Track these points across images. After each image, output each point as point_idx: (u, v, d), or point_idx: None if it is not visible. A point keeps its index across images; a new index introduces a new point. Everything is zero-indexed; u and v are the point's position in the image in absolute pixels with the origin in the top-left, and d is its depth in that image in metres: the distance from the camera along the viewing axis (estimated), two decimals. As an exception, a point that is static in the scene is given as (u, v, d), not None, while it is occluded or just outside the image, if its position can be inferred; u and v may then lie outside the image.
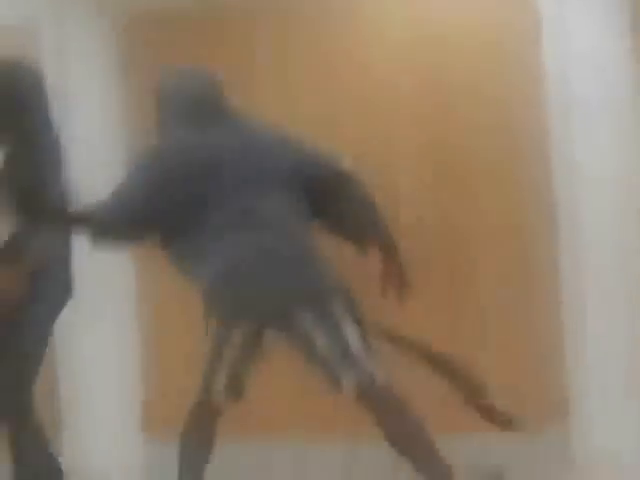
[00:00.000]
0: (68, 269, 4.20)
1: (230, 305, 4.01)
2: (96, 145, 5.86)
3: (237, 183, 4.10)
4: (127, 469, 6.06)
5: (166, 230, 4.12)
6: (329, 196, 4.22)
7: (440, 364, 4.07)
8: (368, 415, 3.83)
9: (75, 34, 5.79)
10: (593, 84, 5.22)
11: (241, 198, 4.07)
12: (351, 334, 3.89)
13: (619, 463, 5.01)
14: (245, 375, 4.05)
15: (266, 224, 4.04)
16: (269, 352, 4.06)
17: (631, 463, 5.04)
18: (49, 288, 4.06)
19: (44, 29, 5.73)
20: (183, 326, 5.79)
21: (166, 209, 4.09)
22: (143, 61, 5.78)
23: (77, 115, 5.67)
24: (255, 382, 4.06)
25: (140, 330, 6.25)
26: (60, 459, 4.19)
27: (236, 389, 4.01)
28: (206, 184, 4.08)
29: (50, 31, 5.65)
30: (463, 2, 5.54)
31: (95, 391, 6.13)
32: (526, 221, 5.41)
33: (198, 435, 4.15)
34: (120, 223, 4.11)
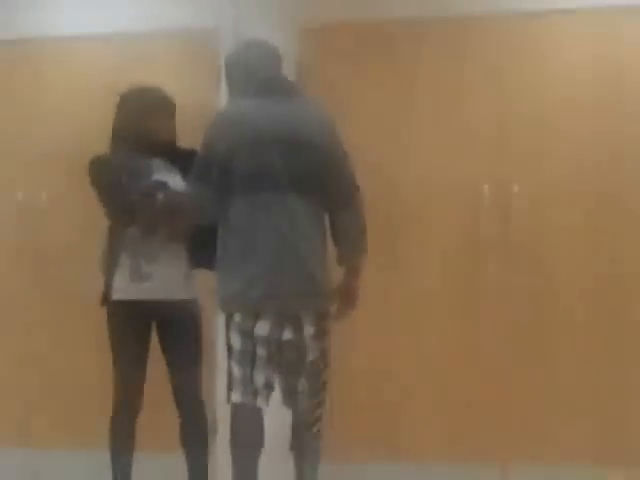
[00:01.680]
0: None
1: (255, 301, 4.39)
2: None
3: (277, 162, 4.40)
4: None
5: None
6: (336, 204, 4.57)
7: None
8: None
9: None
10: None
11: (276, 180, 4.41)
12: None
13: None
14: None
15: (290, 224, 4.39)
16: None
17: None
18: None
19: (224, 34, 5.97)
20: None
21: (221, 180, 4.45)
22: (317, 70, 5.97)
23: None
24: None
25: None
26: None
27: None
28: (251, 156, 4.40)
29: (229, 37, 5.84)
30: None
31: None
32: None
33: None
34: (195, 204, 4.53)
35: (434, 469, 5.74)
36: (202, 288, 5.01)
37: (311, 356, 4.56)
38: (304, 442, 4.77)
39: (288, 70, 5.26)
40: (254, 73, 4.63)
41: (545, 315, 5.70)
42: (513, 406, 5.72)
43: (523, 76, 5.80)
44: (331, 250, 4.67)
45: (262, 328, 4.46)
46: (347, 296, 4.71)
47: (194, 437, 4.95)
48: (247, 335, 4.47)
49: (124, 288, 4.86)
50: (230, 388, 4.52)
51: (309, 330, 4.53)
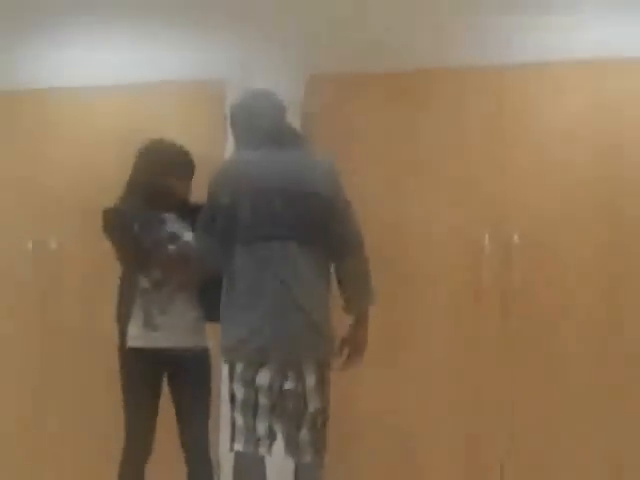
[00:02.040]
0: None
1: (257, 351, 4.49)
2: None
3: (280, 212, 4.51)
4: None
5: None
6: (341, 254, 4.64)
7: None
8: None
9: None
10: None
11: (280, 230, 4.49)
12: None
13: None
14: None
15: (292, 272, 4.48)
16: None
17: None
18: None
19: (233, 85, 6.08)
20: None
21: (225, 232, 4.57)
22: (323, 116, 6.18)
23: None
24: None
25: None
26: None
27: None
28: (255, 206, 4.49)
29: (237, 88, 5.89)
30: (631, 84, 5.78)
31: None
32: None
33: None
34: (201, 241, 4.67)
35: None
36: (211, 338, 5.10)
37: (312, 407, 4.61)
38: None
39: (294, 118, 5.45)
40: (258, 123, 4.73)
41: (548, 365, 5.72)
42: (520, 451, 5.71)
43: (523, 126, 5.90)
44: (337, 299, 4.74)
45: (264, 377, 4.53)
46: (355, 345, 4.76)
47: None
48: (249, 385, 4.54)
49: (138, 336, 4.98)
50: (233, 438, 4.59)
51: (310, 380, 4.59)
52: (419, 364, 5.95)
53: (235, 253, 4.59)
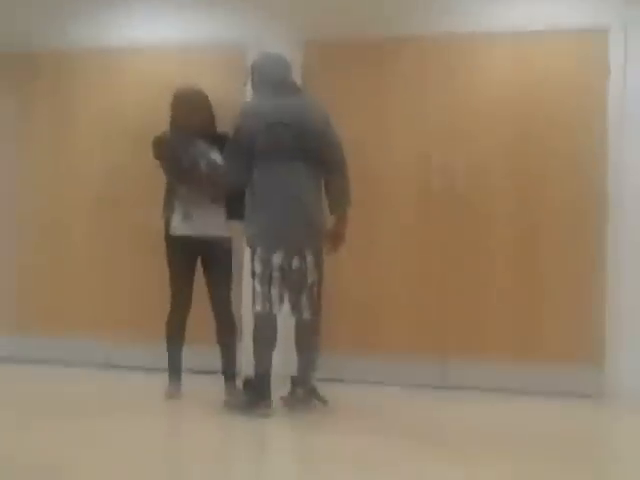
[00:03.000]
0: None
1: (272, 240, 5.46)
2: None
3: (287, 140, 5.46)
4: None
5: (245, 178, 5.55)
6: (330, 171, 5.62)
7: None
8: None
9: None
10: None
11: (287, 153, 5.46)
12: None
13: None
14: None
15: (299, 184, 5.47)
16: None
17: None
18: None
19: (250, 48, 6.85)
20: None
21: (247, 155, 5.49)
22: (321, 75, 6.94)
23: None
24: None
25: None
26: None
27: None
28: (269, 136, 5.44)
29: (254, 50, 6.59)
30: (553, 54, 6.67)
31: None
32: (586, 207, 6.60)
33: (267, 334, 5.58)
34: (229, 165, 5.61)
35: (395, 358, 6.77)
36: (234, 232, 5.95)
37: (310, 280, 5.59)
38: (304, 340, 5.73)
39: (296, 74, 6.23)
40: (271, 78, 5.64)
41: (479, 243, 6.73)
42: (456, 311, 6.74)
43: (467, 83, 6.78)
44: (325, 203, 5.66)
45: (277, 258, 5.49)
46: (336, 237, 5.72)
47: (226, 334, 5.95)
48: (266, 263, 5.49)
49: (179, 227, 5.90)
50: (254, 301, 5.53)
51: (310, 260, 5.56)
52: (383, 249, 6.88)
53: (255, 172, 5.48)
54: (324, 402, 5.74)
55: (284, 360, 5.89)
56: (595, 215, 6.57)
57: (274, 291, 5.50)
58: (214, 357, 6.03)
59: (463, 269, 6.77)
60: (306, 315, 5.61)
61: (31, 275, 7.63)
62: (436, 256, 6.82)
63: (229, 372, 6.00)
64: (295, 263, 5.53)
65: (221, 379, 6.02)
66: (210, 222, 5.91)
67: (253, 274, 5.58)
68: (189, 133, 5.89)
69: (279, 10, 7.10)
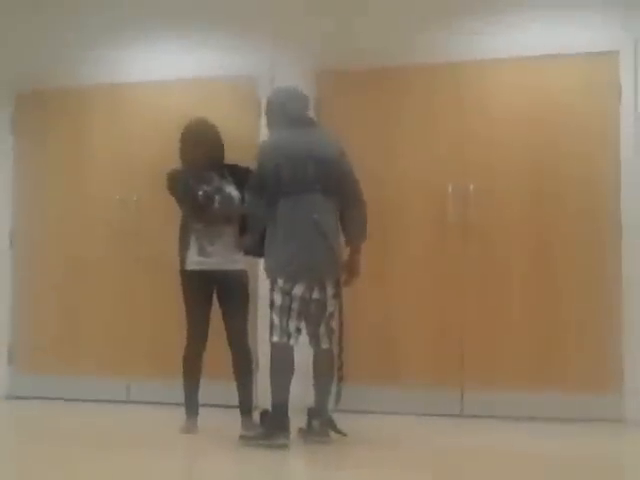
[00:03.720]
0: None
1: (294, 271, 5.51)
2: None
3: (307, 174, 5.53)
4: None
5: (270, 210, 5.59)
6: (347, 203, 5.71)
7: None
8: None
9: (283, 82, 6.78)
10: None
11: (307, 186, 5.54)
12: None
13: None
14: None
15: (319, 215, 5.51)
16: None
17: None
18: None
19: (263, 80, 7.14)
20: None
21: (270, 190, 5.56)
22: (333, 105, 7.11)
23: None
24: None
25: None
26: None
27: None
28: (290, 170, 5.51)
29: (266, 82, 7.03)
30: (563, 78, 6.75)
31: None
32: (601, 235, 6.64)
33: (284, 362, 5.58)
34: (251, 201, 5.69)
35: (413, 388, 6.80)
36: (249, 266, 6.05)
37: (330, 309, 5.65)
38: (322, 371, 5.73)
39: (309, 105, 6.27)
40: (288, 112, 5.71)
41: (495, 272, 6.76)
42: (474, 340, 6.76)
43: (477, 110, 6.85)
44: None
45: (298, 289, 5.52)
46: (352, 269, 5.80)
47: (242, 368, 5.94)
48: (286, 294, 5.53)
49: (194, 262, 5.92)
50: (271, 332, 5.55)
51: (330, 291, 5.62)
52: (400, 280, 6.94)
53: (279, 204, 5.55)
54: (342, 434, 5.73)
55: (303, 392, 5.87)
56: (610, 241, 6.58)
57: (292, 323, 5.55)
58: (231, 391, 6.02)
59: (480, 298, 6.80)
60: (324, 345, 5.67)
61: (49, 312, 7.70)
62: (453, 285, 6.86)
63: (246, 406, 5.99)
64: (315, 294, 5.59)
65: (238, 413, 6.00)
66: (226, 256, 5.93)
67: (272, 305, 5.61)
68: (199, 166, 5.96)
69: (290, 41, 7.20)
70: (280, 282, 5.57)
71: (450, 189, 6.82)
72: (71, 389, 7.50)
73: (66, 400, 7.39)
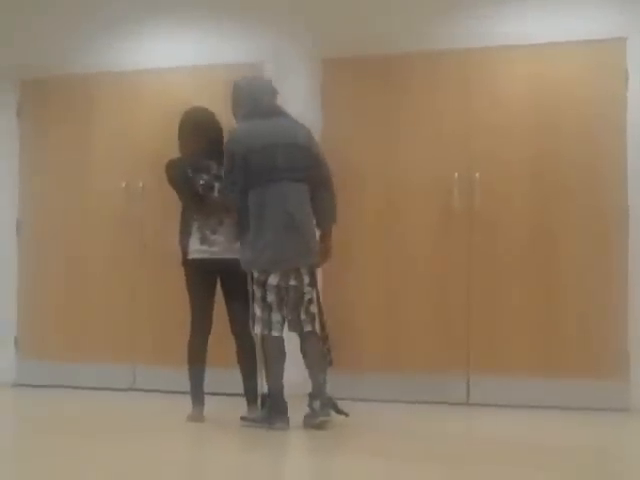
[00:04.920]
0: None
1: (267, 262, 5.55)
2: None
3: (278, 160, 5.56)
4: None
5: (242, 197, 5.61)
6: (317, 187, 5.72)
7: None
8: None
9: (288, 73, 7.07)
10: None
11: (278, 174, 5.56)
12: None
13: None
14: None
15: (291, 204, 5.54)
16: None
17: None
18: None
19: (267, 67, 7.16)
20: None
21: (239, 174, 5.58)
22: (337, 92, 7.11)
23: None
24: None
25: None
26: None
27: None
28: (261, 158, 5.55)
29: (270, 69, 7.08)
30: (570, 65, 6.74)
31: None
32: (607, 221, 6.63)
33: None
34: (228, 187, 5.69)
35: (418, 376, 6.83)
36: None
37: (306, 297, 5.68)
38: (311, 353, 5.72)
39: (314, 91, 6.67)
40: (259, 101, 5.76)
41: (500, 261, 6.77)
42: (479, 329, 6.77)
43: (483, 97, 6.84)
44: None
45: (273, 279, 5.58)
46: (323, 252, 5.84)
47: (247, 355, 5.92)
48: (261, 285, 5.61)
49: (196, 251, 5.92)
50: (253, 324, 5.64)
51: (306, 279, 5.67)
52: (406, 268, 6.93)
53: (249, 193, 5.58)
54: (344, 414, 5.77)
55: (305, 379, 5.85)
56: (616, 228, 6.57)
57: (274, 315, 5.64)
58: (236, 379, 6.04)
59: (486, 286, 6.81)
60: (307, 328, 5.69)
61: (55, 300, 7.74)
62: (459, 273, 6.86)
63: (251, 395, 6.01)
64: (292, 281, 5.64)
65: (244, 401, 6.02)
66: (228, 244, 5.92)
67: (253, 297, 5.67)
68: (197, 154, 5.96)
69: (294, 28, 7.23)
70: (255, 274, 5.63)
71: (456, 177, 6.82)
72: (77, 377, 7.55)
73: (72, 388, 7.44)
